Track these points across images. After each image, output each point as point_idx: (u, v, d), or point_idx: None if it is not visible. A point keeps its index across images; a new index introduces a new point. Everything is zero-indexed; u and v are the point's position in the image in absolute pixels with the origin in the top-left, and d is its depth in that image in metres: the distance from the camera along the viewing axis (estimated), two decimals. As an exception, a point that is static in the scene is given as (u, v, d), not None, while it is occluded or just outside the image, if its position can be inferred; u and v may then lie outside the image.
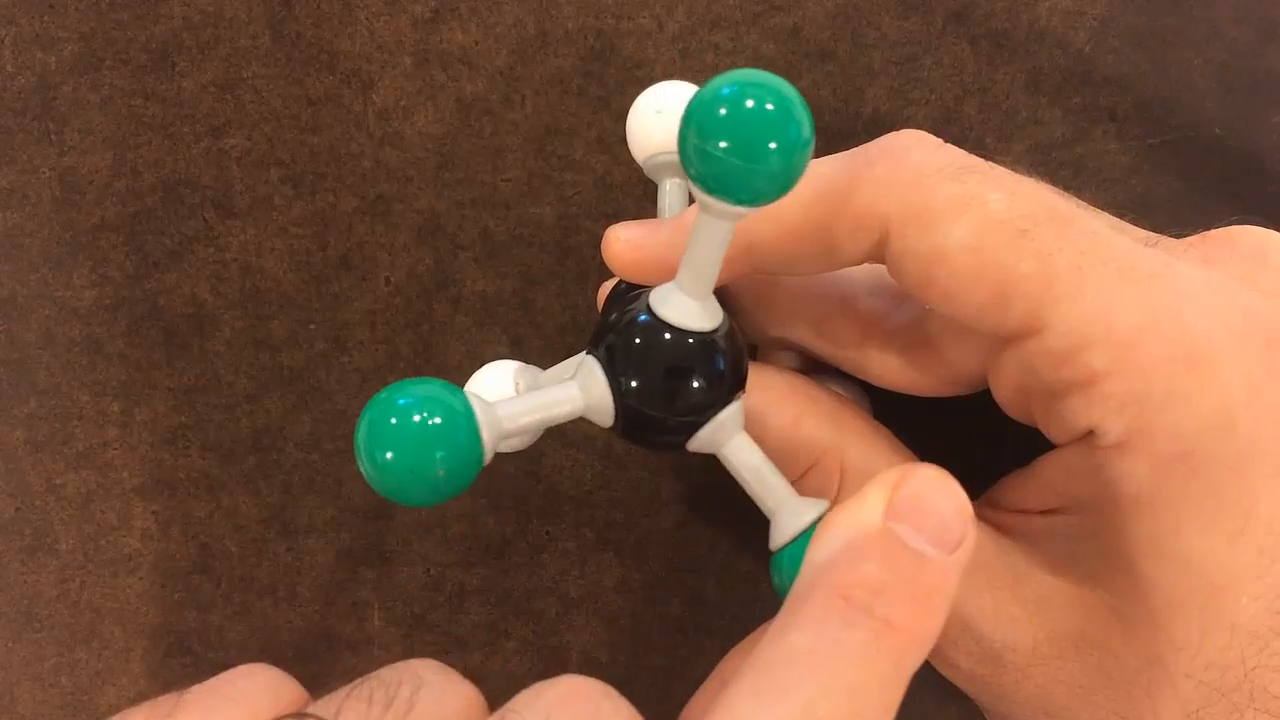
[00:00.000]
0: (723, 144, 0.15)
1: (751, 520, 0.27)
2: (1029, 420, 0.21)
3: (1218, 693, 0.18)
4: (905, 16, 0.27)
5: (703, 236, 0.18)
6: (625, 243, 0.22)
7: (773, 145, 0.15)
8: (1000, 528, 0.21)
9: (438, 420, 0.16)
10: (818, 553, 0.17)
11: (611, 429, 0.19)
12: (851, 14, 0.27)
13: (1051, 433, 0.20)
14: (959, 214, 0.19)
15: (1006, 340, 0.20)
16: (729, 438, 0.19)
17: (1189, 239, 0.21)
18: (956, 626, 0.20)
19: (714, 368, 0.18)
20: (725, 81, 0.16)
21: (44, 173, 0.28)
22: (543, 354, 0.27)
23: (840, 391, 0.24)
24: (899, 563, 0.16)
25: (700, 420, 0.19)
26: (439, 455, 0.16)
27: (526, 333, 0.27)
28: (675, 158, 0.24)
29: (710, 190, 0.16)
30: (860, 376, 0.24)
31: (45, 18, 0.28)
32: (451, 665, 0.16)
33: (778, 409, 0.22)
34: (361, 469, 0.16)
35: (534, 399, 0.18)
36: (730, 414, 0.19)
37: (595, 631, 0.27)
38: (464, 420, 0.16)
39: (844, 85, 0.27)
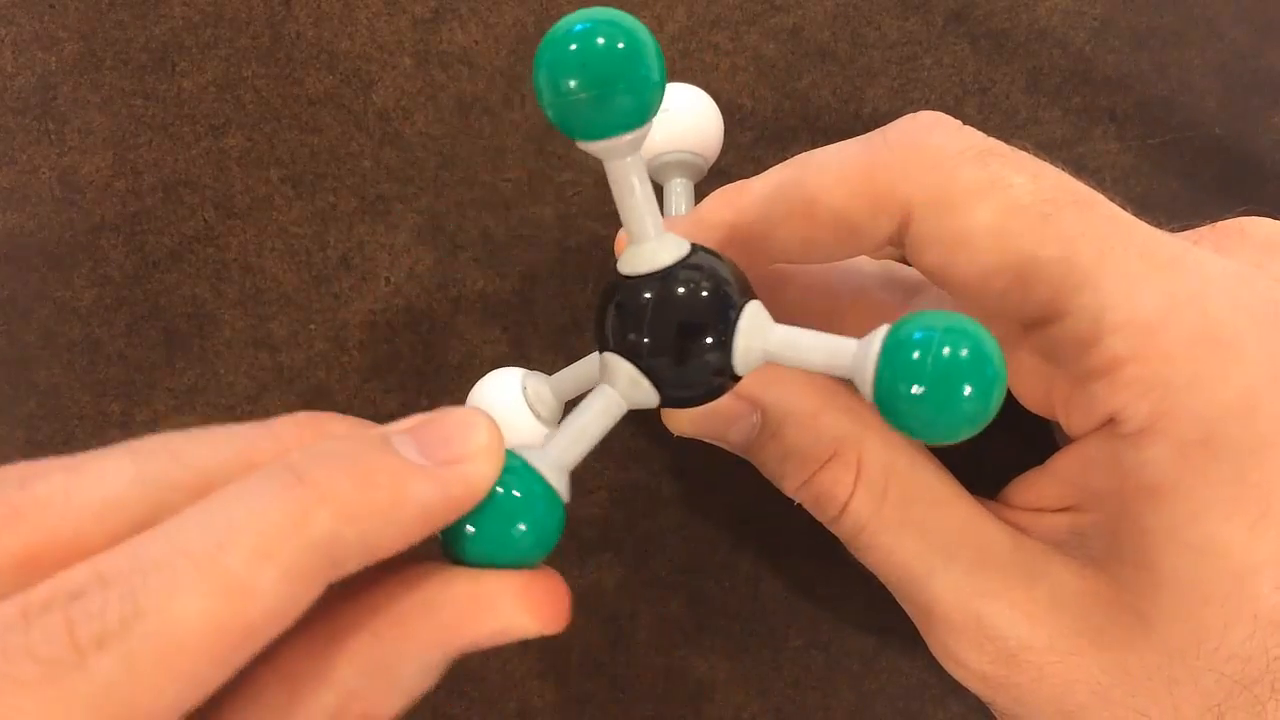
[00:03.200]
0: (916, 388, 0.15)
1: (752, 520, 0.27)
2: (1048, 412, 0.21)
3: (1240, 685, 0.18)
4: (905, 16, 0.27)
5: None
6: None
7: (968, 390, 0.15)
8: (1015, 526, 0.21)
9: (621, 45, 0.16)
10: None
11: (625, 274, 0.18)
12: (851, 14, 0.27)
13: (1072, 422, 0.20)
14: (981, 198, 0.18)
15: (1027, 326, 0.19)
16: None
17: (1198, 229, 0.21)
18: (970, 625, 0.20)
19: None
20: (918, 324, 0.15)
21: (44, 173, 0.28)
22: (543, 354, 0.27)
23: None
24: (352, 442, 0.16)
25: (654, 366, 0.18)
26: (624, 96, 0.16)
27: (526, 333, 0.27)
28: (680, 157, 0.24)
29: (904, 430, 0.16)
30: None
31: (45, 18, 0.28)
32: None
33: (797, 401, 0.21)
34: (542, 102, 0.17)
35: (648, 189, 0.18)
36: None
37: (595, 631, 0.27)
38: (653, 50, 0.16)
39: (844, 85, 0.27)
